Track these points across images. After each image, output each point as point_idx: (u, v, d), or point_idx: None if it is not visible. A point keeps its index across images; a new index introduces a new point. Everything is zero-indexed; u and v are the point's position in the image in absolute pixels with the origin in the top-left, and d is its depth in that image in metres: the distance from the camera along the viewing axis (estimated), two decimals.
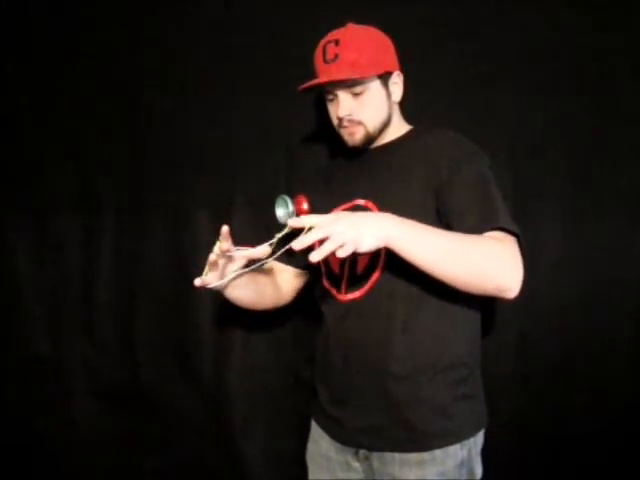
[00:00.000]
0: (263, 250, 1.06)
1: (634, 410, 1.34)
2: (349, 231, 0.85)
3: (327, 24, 1.15)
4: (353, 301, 1.13)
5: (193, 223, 1.60)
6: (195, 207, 1.59)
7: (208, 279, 1.09)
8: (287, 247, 0.95)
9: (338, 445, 1.18)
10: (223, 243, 1.04)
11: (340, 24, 1.14)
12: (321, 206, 1.20)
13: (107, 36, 1.64)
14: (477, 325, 1.18)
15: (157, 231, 1.63)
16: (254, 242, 1.55)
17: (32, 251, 1.73)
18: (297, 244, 0.85)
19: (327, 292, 1.20)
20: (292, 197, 1.03)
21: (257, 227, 1.55)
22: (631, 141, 1.33)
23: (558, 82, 1.35)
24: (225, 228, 1.04)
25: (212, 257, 1.06)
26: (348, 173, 1.22)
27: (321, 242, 0.86)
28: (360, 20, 1.15)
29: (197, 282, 1.07)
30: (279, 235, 1.04)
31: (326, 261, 1.18)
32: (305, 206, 1.05)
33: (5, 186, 1.75)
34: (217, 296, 1.58)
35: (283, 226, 1.04)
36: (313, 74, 1.14)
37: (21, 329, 1.75)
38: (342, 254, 0.84)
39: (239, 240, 1.57)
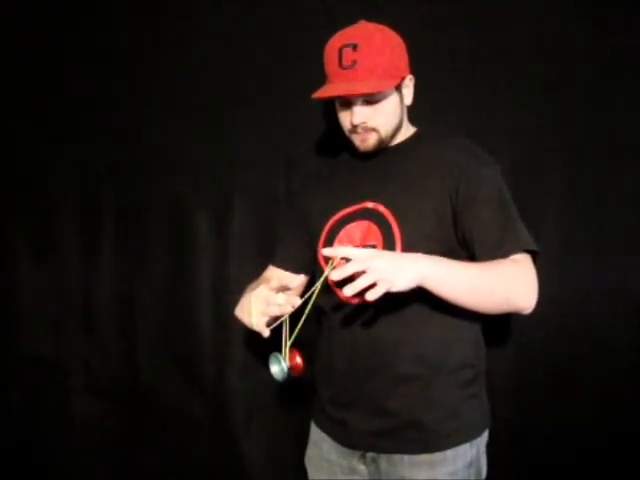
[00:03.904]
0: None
1: (634, 411, 1.34)
2: (385, 270, 0.89)
3: (328, 25, 1.14)
4: (360, 303, 1.10)
5: (193, 223, 1.60)
6: (195, 207, 1.59)
7: (266, 325, 1.06)
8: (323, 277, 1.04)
9: (341, 448, 1.16)
10: (294, 299, 1.01)
11: (342, 26, 1.11)
12: (326, 207, 1.19)
13: (107, 37, 1.64)
14: (479, 327, 1.18)
15: (157, 232, 1.63)
16: (254, 242, 1.57)
17: (32, 251, 1.74)
18: (336, 275, 0.90)
19: (333, 294, 1.18)
20: (282, 353, 1.03)
21: (257, 228, 1.55)
22: (631, 141, 1.33)
23: (558, 82, 1.35)
24: (289, 287, 1.04)
25: (288, 309, 1.01)
26: (354, 175, 1.20)
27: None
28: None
29: (267, 334, 1.05)
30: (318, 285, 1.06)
31: (332, 263, 1.17)
32: (298, 360, 1.04)
33: (5, 187, 1.75)
34: (217, 296, 1.60)
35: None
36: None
37: (21, 329, 1.76)
38: (371, 297, 0.88)
39: (239, 240, 1.59)
